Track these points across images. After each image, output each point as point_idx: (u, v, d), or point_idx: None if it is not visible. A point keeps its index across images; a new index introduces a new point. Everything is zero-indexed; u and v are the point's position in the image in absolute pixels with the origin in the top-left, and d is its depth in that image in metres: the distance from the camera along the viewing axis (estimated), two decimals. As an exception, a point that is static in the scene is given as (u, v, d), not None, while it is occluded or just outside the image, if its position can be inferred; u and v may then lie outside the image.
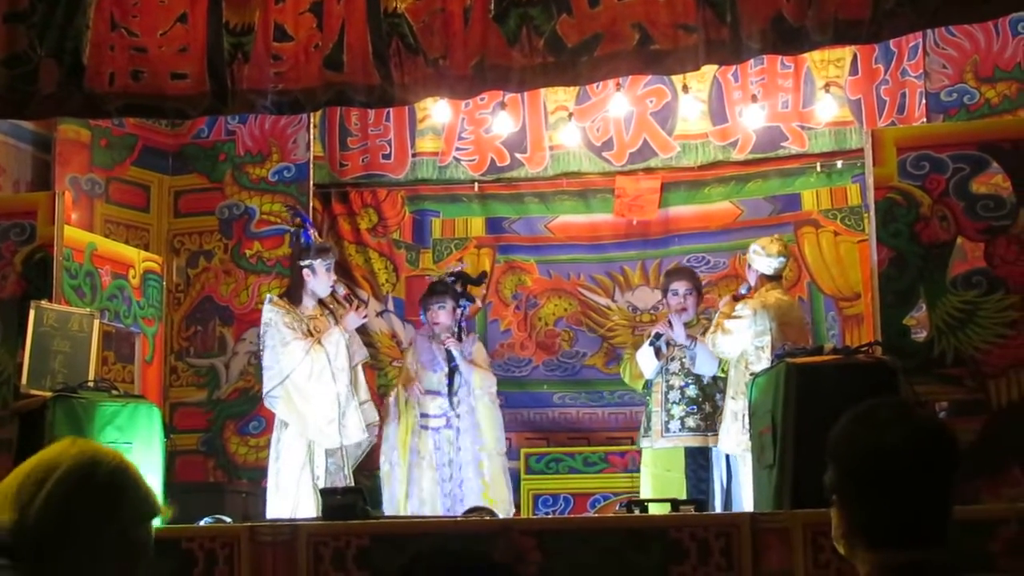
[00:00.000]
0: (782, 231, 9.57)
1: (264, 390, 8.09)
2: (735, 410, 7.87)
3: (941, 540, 2.29)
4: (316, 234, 8.68)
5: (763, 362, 7.66)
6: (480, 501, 8.11)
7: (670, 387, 8.38)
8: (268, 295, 8.41)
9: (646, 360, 8.39)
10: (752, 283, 8.17)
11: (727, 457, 8.18)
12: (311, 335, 7.99)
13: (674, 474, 8.23)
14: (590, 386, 9.90)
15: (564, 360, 9.96)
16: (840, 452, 2.36)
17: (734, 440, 7.87)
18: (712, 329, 8.03)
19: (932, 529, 2.30)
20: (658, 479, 8.29)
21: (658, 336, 8.39)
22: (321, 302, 8.19)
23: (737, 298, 8.11)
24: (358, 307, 8.15)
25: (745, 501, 7.59)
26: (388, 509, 8.39)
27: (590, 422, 9.91)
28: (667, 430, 8.32)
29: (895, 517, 2.28)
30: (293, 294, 8.18)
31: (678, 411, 8.31)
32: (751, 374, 7.31)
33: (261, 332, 8.14)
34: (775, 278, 8.12)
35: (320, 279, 8.09)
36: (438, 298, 8.61)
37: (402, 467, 8.47)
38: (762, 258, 8.08)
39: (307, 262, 8.09)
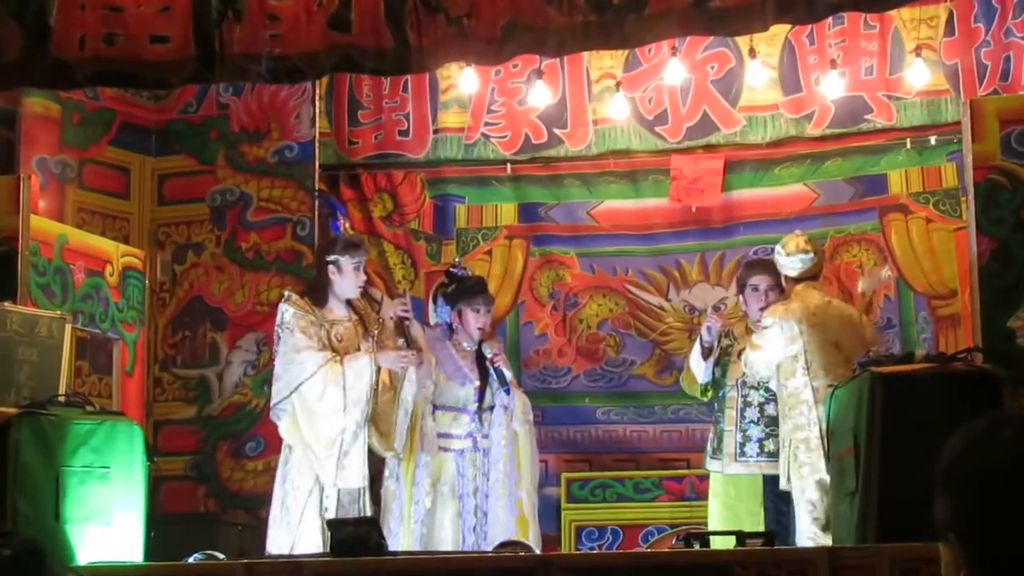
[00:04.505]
0: (865, 218, 9.55)
1: (272, 401, 7.96)
2: (781, 435, 7.85)
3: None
4: (347, 225, 8.56)
5: (798, 375, 7.68)
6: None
7: (747, 403, 8.23)
8: (286, 292, 8.25)
9: (695, 361, 8.30)
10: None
11: None
12: (330, 343, 7.85)
13: (750, 505, 8.11)
14: (639, 399, 9.85)
15: (609, 369, 9.91)
16: (959, 477, 2.29)
17: (783, 472, 7.82)
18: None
19: None
20: (730, 510, 8.14)
21: (709, 330, 8.29)
22: (350, 304, 8.03)
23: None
24: (413, 353, 7.72)
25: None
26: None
27: (639, 441, 9.86)
28: (742, 454, 8.18)
29: None
30: (316, 294, 7.99)
31: (756, 432, 8.15)
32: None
33: (275, 334, 8.02)
34: (805, 279, 7.98)
35: (347, 278, 7.89)
36: (479, 298, 8.33)
37: (407, 493, 8.23)
38: (781, 258, 8.00)
39: (332, 257, 7.93)
